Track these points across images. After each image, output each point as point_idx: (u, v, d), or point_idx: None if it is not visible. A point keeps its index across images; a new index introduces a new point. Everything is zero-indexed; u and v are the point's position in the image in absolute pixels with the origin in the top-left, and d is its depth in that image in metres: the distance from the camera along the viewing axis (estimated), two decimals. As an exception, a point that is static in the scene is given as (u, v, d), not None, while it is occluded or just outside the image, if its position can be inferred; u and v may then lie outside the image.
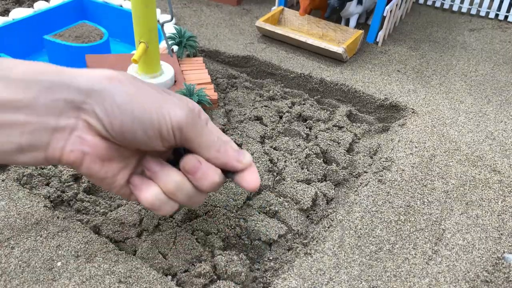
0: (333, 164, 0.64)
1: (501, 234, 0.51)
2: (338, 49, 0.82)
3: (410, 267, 0.47)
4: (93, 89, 0.34)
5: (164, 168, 0.38)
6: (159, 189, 0.37)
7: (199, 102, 0.65)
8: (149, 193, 0.37)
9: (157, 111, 0.35)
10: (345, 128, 0.71)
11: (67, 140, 0.34)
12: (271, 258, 0.50)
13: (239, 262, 0.47)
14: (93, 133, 0.35)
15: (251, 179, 0.40)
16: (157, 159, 0.39)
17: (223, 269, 0.45)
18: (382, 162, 0.61)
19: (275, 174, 0.60)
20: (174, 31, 0.80)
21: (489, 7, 1.07)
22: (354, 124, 0.73)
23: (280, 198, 0.56)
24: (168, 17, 0.95)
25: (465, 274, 0.46)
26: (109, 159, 0.37)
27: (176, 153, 0.40)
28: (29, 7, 0.99)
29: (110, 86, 0.34)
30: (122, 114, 0.34)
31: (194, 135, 0.37)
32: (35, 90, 0.33)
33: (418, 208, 0.54)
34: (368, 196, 0.55)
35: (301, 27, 0.95)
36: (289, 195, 0.57)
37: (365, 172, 0.62)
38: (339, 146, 0.66)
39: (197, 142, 0.37)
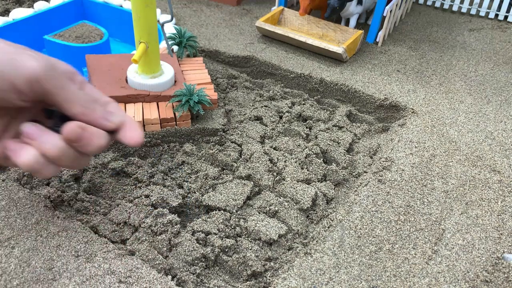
0: (333, 164, 0.64)
1: (501, 234, 0.51)
2: (338, 49, 0.82)
3: (410, 267, 0.47)
4: None
5: (44, 133, 0.36)
6: (37, 152, 0.36)
7: (199, 102, 0.65)
8: (28, 156, 0.36)
9: (8, 63, 0.34)
10: (345, 128, 0.71)
11: None
12: (271, 258, 0.50)
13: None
14: None
15: (130, 136, 0.39)
16: (35, 124, 0.36)
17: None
18: (382, 162, 0.61)
19: (275, 174, 0.60)
20: (174, 31, 0.80)
21: (489, 7, 1.07)
22: (354, 124, 0.73)
23: (280, 198, 0.56)
24: (168, 17, 0.95)
25: (465, 274, 0.46)
26: None
27: (50, 115, 0.39)
28: (29, 7, 0.99)
29: None
30: None
31: (54, 87, 0.36)
32: None
33: (418, 208, 0.54)
34: (368, 196, 0.56)
35: (301, 27, 0.95)
36: (289, 195, 0.57)
37: (365, 172, 0.62)
38: (339, 146, 0.66)
39: (60, 96, 0.36)
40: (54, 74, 0.36)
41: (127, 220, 0.51)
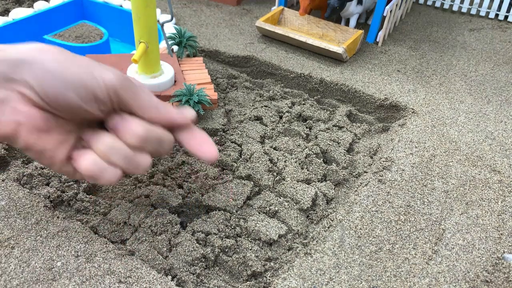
0: (333, 164, 0.64)
1: (501, 234, 0.51)
2: (338, 49, 0.82)
3: (410, 267, 0.47)
4: (23, 59, 0.35)
5: (96, 133, 0.38)
6: (95, 155, 0.37)
7: (199, 102, 0.65)
8: (86, 160, 0.36)
9: (88, 75, 0.36)
10: (345, 128, 0.71)
11: (1, 112, 0.34)
12: (271, 258, 0.50)
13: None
14: (28, 103, 0.35)
15: (208, 150, 0.41)
16: (93, 127, 0.38)
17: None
18: (382, 162, 0.61)
19: (275, 174, 0.60)
20: (174, 31, 0.80)
21: (489, 7, 1.07)
22: (354, 124, 0.73)
23: (280, 198, 0.56)
24: (168, 17, 0.95)
25: (465, 274, 0.46)
26: (47, 130, 0.36)
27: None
28: (29, 7, 0.99)
29: (40, 55, 0.35)
30: (53, 79, 0.34)
31: (130, 96, 0.38)
32: None
33: (418, 208, 0.54)
34: (368, 196, 0.56)
35: (301, 27, 0.95)
36: (289, 195, 0.57)
37: (365, 172, 0.62)
38: (339, 146, 0.66)
39: (135, 105, 0.38)
40: (129, 84, 0.38)
41: (127, 220, 0.51)
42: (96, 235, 0.48)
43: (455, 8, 1.09)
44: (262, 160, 0.61)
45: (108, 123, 0.39)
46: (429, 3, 1.13)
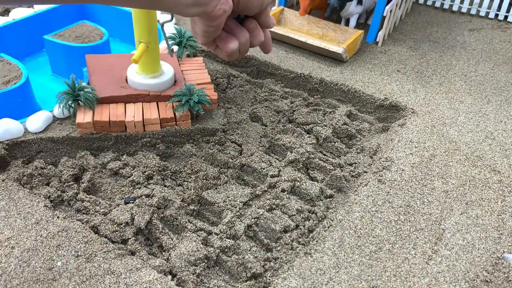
0: (333, 164, 0.64)
1: (501, 234, 0.51)
2: (338, 49, 0.82)
3: (410, 267, 0.47)
4: None
5: (238, 27, 0.49)
6: (237, 43, 0.49)
7: (199, 102, 0.65)
8: (232, 45, 0.48)
9: None
10: (345, 128, 0.71)
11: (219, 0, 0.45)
12: (271, 258, 0.50)
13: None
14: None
15: (269, 49, 0.53)
16: (234, 20, 0.49)
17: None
18: (382, 162, 0.61)
19: (275, 173, 0.60)
20: (174, 31, 0.80)
21: (489, 7, 1.07)
22: (354, 123, 0.73)
23: (280, 198, 0.56)
24: (168, 17, 0.95)
25: (465, 274, 0.46)
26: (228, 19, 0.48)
27: (237, 18, 0.51)
28: (29, 7, 0.99)
29: None
30: None
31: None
32: None
33: (418, 208, 0.54)
34: (368, 196, 0.56)
35: (301, 27, 0.95)
36: (289, 195, 0.57)
37: (365, 172, 0.62)
38: (339, 146, 0.66)
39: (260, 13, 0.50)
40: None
41: (128, 220, 0.51)
42: (97, 235, 0.48)
43: (455, 8, 1.09)
44: (262, 160, 0.61)
45: (247, 22, 0.50)
46: (429, 3, 1.13)
